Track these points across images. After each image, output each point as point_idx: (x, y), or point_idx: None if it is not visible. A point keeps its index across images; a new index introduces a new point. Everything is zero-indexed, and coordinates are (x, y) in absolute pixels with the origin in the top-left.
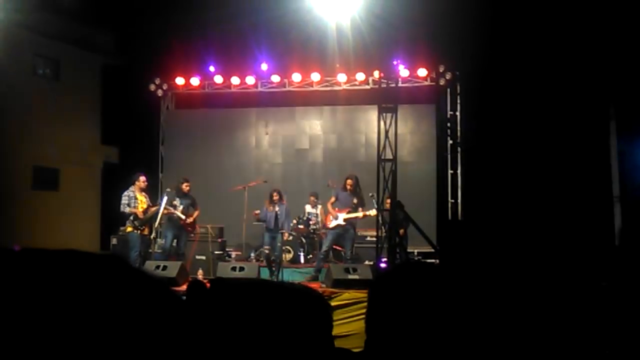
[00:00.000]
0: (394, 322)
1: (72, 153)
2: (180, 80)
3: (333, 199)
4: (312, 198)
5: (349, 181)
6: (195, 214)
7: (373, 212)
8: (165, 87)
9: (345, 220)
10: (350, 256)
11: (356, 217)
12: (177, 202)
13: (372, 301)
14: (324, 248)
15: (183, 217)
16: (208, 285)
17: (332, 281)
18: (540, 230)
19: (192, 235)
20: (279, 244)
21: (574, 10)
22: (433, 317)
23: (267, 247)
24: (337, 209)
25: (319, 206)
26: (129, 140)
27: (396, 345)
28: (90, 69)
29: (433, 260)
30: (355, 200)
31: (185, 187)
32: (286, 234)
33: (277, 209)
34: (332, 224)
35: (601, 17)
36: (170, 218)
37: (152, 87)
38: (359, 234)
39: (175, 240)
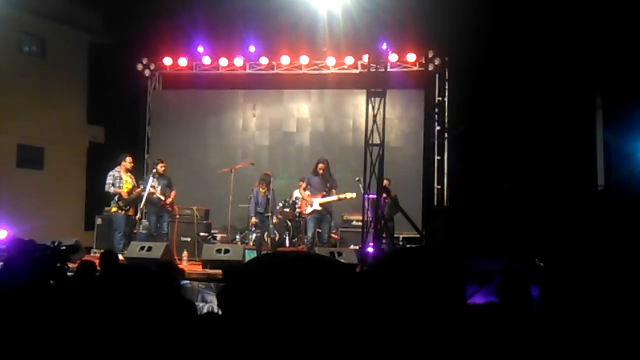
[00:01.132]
0: (388, 306)
1: (57, 132)
2: (168, 61)
3: (305, 185)
4: (301, 183)
5: (320, 165)
6: (173, 194)
7: (349, 195)
8: (152, 67)
9: (321, 205)
10: (327, 240)
11: (331, 201)
12: (155, 183)
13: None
14: (309, 234)
15: (162, 198)
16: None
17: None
18: (525, 218)
19: (178, 217)
20: (271, 227)
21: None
22: (424, 303)
23: (258, 230)
24: (310, 194)
25: (307, 192)
26: (115, 120)
27: (388, 330)
28: (77, 48)
29: (419, 246)
30: (328, 185)
31: (160, 168)
32: (275, 218)
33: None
34: (308, 210)
35: (589, 5)
36: (150, 199)
37: (140, 67)
38: (344, 218)
39: (157, 222)
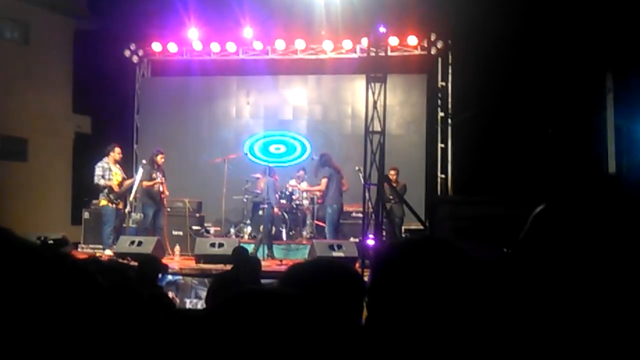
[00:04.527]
0: (399, 300)
1: (41, 122)
2: (157, 46)
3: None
4: (301, 172)
5: None
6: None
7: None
8: (141, 53)
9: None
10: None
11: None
12: (155, 175)
13: (375, 278)
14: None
15: (162, 190)
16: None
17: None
18: (532, 208)
19: (169, 210)
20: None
21: None
22: (440, 297)
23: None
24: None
25: (304, 182)
26: (102, 109)
27: (400, 324)
28: (61, 33)
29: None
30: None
31: (160, 159)
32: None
33: None
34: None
35: None
36: (149, 192)
37: (127, 53)
38: (343, 209)
39: (155, 215)
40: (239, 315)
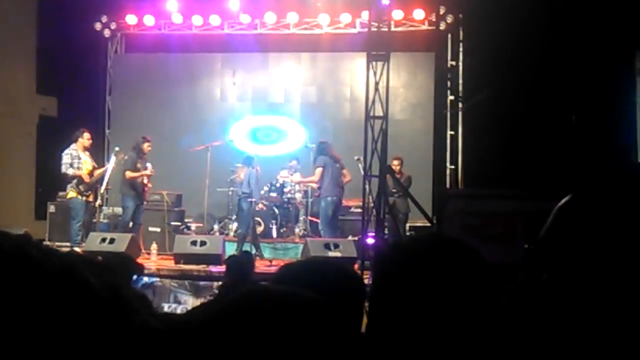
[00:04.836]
0: (404, 306)
1: (1, 104)
2: (131, 19)
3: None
4: (293, 162)
5: None
6: None
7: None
8: (113, 26)
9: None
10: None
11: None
12: (140, 165)
13: (377, 281)
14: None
15: (146, 182)
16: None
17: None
18: (551, 203)
19: (145, 203)
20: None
21: None
22: (450, 303)
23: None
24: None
25: (297, 173)
26: (70, 89)
27: (405, 333)
28: (24, 2)
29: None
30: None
31: (147, 147)
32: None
33: None
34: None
35: None
36: (133, 184)
37: (98, 26)
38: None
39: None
40: (249, 320)
